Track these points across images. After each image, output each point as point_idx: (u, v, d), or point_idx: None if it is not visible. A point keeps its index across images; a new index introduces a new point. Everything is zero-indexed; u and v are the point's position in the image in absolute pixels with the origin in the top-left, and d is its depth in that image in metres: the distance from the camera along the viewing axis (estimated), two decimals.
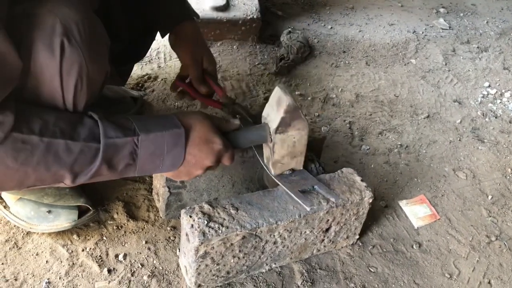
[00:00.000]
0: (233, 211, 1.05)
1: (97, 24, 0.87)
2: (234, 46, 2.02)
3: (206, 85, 1.28)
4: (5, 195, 1.20)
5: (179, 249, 1.19)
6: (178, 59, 1.88)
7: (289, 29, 2.13)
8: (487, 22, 2.49)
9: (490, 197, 1.49)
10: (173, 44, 1.31)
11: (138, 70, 1.82)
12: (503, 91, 1.98)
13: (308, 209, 1.06)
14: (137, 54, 1.49)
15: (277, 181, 1.11)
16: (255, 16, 2.02)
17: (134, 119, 0.89)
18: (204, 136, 0.93)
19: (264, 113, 1.06)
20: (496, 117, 1.83)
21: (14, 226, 1.20)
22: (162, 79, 1.79)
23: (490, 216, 1.43)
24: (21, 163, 0.77)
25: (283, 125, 1.01)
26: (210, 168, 0.97)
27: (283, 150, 1.06)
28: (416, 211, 1.41)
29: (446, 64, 2.11)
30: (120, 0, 1.28)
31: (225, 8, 2.02)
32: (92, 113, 0.85)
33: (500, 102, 1.92)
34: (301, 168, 1.13)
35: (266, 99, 1.76)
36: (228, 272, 1.12)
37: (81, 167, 0.83)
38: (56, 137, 0.78)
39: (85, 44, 0.81)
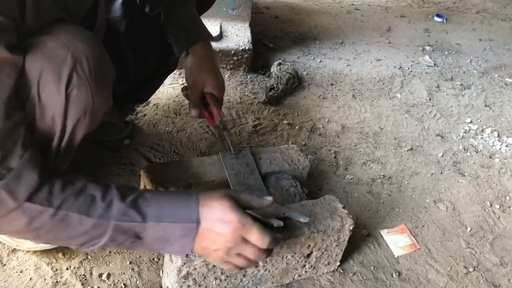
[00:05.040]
0: None
1: (106, 57, 0.92)
2: (226, 75, 2.09)
3: (197, 110, 1.32)
4: None
5: (162, 270, 1.21)
6: (170, 86, 1.96)
7: (280, 61, 2.21)
8: (470, 61, 2.59)
9: (469, 229, 1.53)
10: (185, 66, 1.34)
11: None
12: (484, 127, 2.05)
13: (275, 224, 1.06)
14: (140, 96, 1.53)
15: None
16: (247, 47, 2.09)
17: (151, 198, 0.88)
18: (217, 218, 0.88)
19: None
20: (477, 152, 1.89)
21: (0, 242, 1.21)
22: (154, 105, 1.83)
23: (468, 248, 1.47)
24: (34, 228, 0.81)
25: None
26: (244, 259, 0.92)
27: None
28: (396, 240, 1.44)
29: (430, 100, 2.19)
30: (132, 39, 1.32)
31: (218, 38, 2.09)
32: (115, 189, 0.86)
33: (481, 138, 1.98)
34: None
35: (255, 127, 1.81)
36: None
37: (89, 239, 0.85)
38: (72, 211, 0.81)
39: (92, 78, 0.85)
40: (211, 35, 1.34)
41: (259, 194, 1.21)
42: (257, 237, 0.89)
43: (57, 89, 0.82)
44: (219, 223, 0.87)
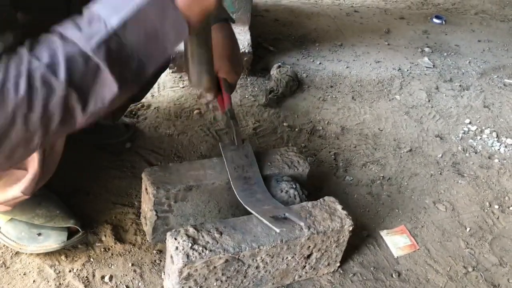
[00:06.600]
0: (217, 235, 1.09)
1: None
2: None
3: (212, 94, 1.25)
4: None
5: (164, 272, 1.22)
6: (171, 89, 1.97)
7: (279, 63, 2.22)
8: (469, 62, 2.60)
9: (468, 229, 1.54)
10: None
11: None
12: (483, 128, 2.06)
13: (278, 230, 1.10)
14: (135, 96, 1.54)
15: (249, 209, 1.15)
16: (247, 50, 2.10)
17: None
18: None
19: None
20: (476, 153, 1.91)
21: (4, 246, 1.23)
22: (155, 108, 1.85)
23: (467, 248, 1.48)
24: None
25: None
26: None
27: None
28: (396, 241, 1.45)
29: (429, 101, 2.20)
30: None
31: None
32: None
33: (480, 139, 2.00)
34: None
35: (255, 129, 1.83)
36: None
37: (83, 79, 0.72)
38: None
39: None
40: (231, 18, 1.29)
41: (257, 188, 1.23)
42: None
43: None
44: None
